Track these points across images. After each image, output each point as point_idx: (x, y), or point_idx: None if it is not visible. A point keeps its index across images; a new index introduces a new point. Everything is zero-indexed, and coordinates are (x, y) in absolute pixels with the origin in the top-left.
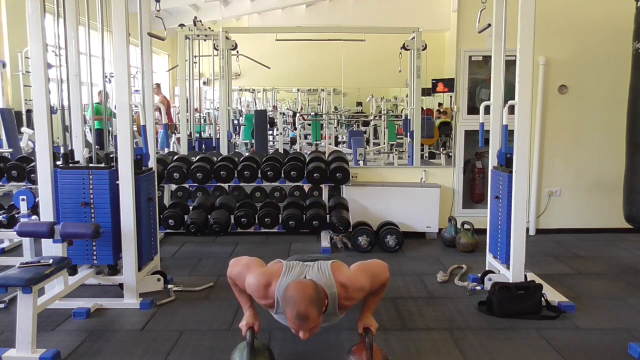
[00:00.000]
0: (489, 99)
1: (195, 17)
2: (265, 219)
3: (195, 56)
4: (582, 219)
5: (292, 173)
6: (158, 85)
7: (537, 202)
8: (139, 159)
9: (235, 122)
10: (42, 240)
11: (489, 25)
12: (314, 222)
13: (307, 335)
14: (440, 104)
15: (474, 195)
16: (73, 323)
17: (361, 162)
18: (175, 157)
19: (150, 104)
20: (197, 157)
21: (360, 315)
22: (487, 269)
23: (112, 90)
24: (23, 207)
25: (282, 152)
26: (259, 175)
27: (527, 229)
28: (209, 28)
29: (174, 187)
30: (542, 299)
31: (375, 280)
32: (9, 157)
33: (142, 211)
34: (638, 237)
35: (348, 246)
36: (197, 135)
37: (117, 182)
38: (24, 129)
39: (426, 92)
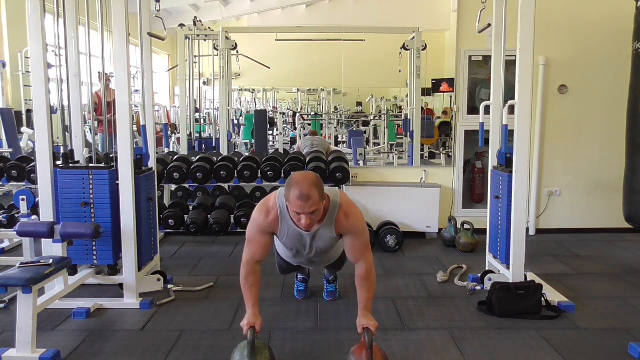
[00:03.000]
0: (489, 99)
1: (195, 17)
2: None
3: (195, 56)
4: (582, 219)
5: (292, 173)
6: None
7: (537, 202)
8: (139, 159)
9: (235, 122)
10: (42, 240)
11: (489, 25)
12: None
13: (309, 222)
14: (425, 103)
15: (474, 195)
16: (73, 323)
17: (361, 162)
18: (175, 157)
19: (150, 104)
20: (197, 157)
21: (359, 315)
22: (487, 269)
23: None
24: (23, 207)
25: (282, 152)
26: (259, 175)
27: (527, 229)
28: (209, 28)
29: (174, 187)
30: (542, 299)
31: (367, 247)
32: (9, 157)
33: (142, 211)
34: (638, 237)
35: None
36: (197, 135)
37: (117, 182)
38: (24, 129)
39: (426, 92)
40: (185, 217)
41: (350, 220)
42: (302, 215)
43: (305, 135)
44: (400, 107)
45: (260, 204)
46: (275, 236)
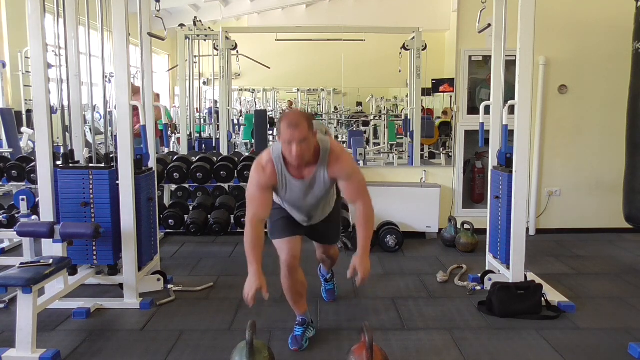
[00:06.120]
0: (489, 99)
1: (195, 17)
2: None
3: (195, 56)
4: (582, 219)
5: None
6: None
7: (537, 202)
8: (139, 159)
9: (235, 122)
10: (42, 240)
11: (489, 25)
12: None
13: (299, 150)
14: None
15: (474, 195)
16: (73, 323)
17: (361, 162)
18: (175, 157)
19: (150, 104)
20: (197, 157)
21: (356, 254)
22: (487, 269)
23: (112, 90)
24: (23, 207)
25: None
26: None
27: (527, 229)
28: (209, 28)
29: (174, 187)
30: (542, 299)
31: (363, 187)
32: (9, 157)
33: (142, 211)
34: (638, 237)
35: (348, 246)
36: (197, 135)
37: (117, 182)
38: (24, 129)
39: (426, 92)
40: (185, 217)
41: (342, 163)
42: (292, 144)
43: None
44: (389, 108)
45: (254, 164)
46: (274, 193)
